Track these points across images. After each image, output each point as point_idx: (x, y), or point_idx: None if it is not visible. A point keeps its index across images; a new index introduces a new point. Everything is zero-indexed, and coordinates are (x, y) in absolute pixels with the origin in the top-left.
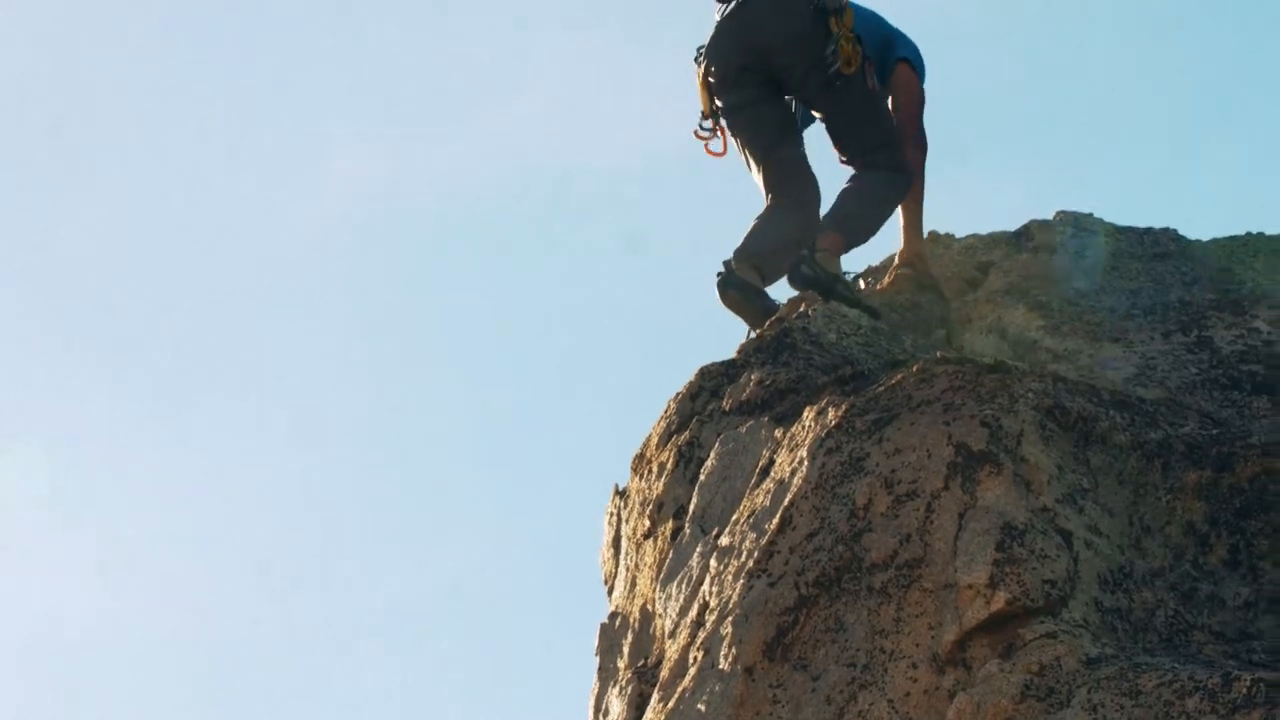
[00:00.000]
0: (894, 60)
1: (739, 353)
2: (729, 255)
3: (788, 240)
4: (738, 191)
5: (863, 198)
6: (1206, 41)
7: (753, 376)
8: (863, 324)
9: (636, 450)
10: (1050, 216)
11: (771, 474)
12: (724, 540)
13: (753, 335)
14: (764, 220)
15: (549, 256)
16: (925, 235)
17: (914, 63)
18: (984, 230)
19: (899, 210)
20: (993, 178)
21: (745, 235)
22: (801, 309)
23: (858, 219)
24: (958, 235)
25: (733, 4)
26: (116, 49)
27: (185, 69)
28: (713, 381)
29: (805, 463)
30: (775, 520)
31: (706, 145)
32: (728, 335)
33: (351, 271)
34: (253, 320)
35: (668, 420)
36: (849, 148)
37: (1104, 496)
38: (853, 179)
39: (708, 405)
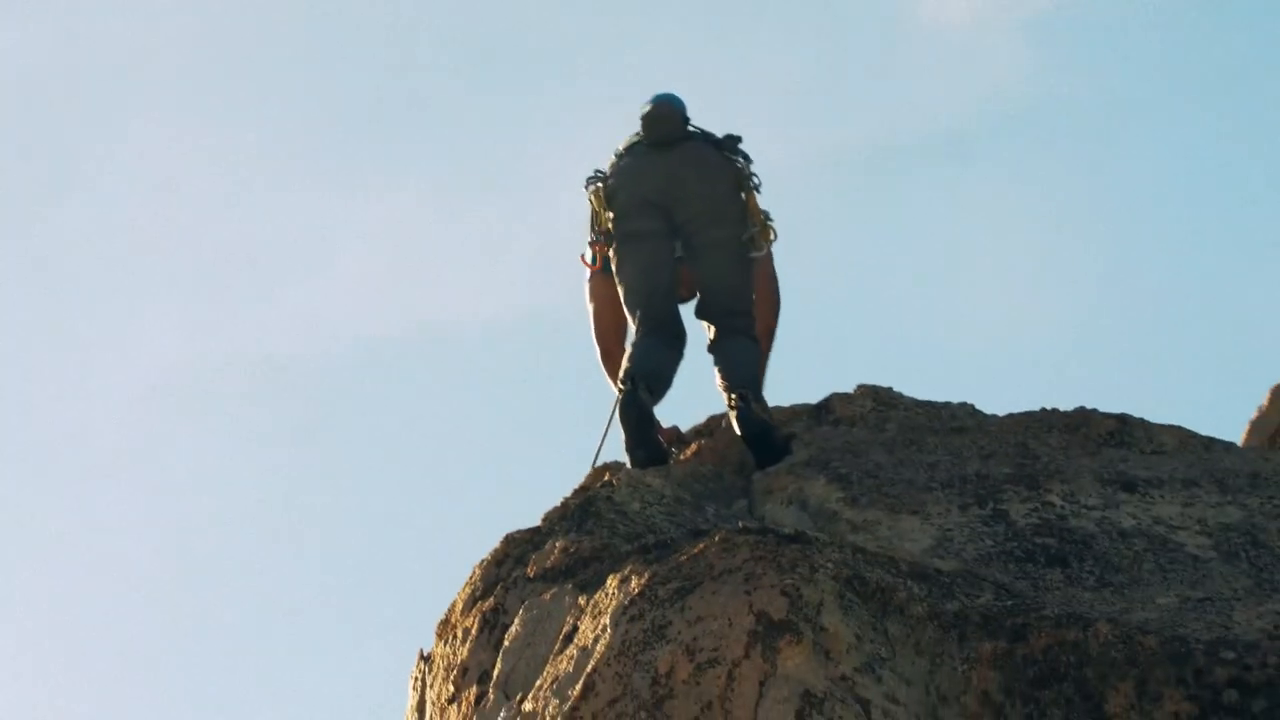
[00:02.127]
0: None
1: (544, 520)
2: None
3: (672, 375)
4: (536, 364)
5: (748, 361)
6: (1012, 214)
7: (557, 544)
8: (666, 494)
9: (441, 616)
10: (851, 390)
11: (575, 640)
12: (527, 706)
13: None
14: (656, 351)
15: (355, 425)
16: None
17: None
18: (785, 403)
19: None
20: (793, 352)
21: (638, 358)
22: (606, 478)
23: (758, 383)
24: None
25: (658, 149)
26: None
27: None
28: (518, 549)
29: (608, 630)
30: (578, 686)
31: (583, 256)
32: (535, 503)
33: (157, 442)
34: (55, 491)
35: (473, 586)
36: (713, 308)
37: (902, 666)
38: (723, 342)
39: (512, 572)
